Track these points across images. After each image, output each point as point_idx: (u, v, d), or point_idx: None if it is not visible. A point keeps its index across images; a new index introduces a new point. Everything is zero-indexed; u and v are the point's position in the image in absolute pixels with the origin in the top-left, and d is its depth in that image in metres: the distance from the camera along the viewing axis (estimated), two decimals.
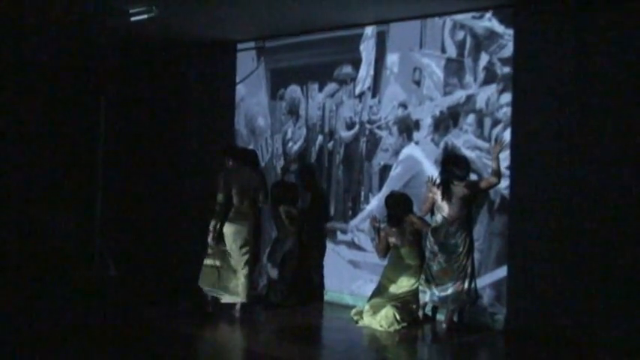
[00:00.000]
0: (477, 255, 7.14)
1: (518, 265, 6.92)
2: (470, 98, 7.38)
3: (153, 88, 10.04)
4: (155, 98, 10.06)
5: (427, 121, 7.74)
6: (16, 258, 8.90)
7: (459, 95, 7.46)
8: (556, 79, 6.75)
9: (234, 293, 7.20)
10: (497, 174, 6.65)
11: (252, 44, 9.29)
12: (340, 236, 8.46)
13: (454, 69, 7.51)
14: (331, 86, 8.60)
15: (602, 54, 6.49)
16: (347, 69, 8.44)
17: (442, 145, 7.58)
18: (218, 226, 7.07)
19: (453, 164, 6.84)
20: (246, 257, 7.18)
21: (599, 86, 6.50)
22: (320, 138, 8.74)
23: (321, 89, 8.72)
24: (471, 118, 7.37)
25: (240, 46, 9.41)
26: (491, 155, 6.84)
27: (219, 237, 7.13)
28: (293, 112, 9.02)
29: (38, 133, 9.31)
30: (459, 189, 6.77)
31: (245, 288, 7.17)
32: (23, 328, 6.41)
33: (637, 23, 6.35)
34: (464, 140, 7.44)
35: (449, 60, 7.55)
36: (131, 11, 7.38)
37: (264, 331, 7.15)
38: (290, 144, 9.04)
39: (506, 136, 7.05)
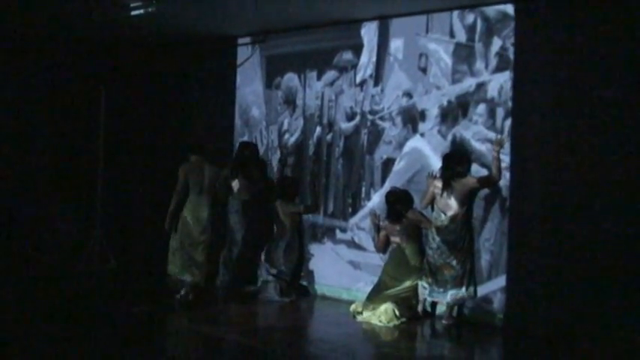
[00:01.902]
0: (487, 256, 7.09)
1: (518, 262, 6.86)
2: (480, 87, 7.17)
3: (152, 83, 10.16)
4: (155, 92, 10.17)
5: (434, 112, 7.53)
6: (16, 251, 9.08)
7: (469, 83, 7.25)
8: (558, 70, 6.65)
9: (194, 276, 7.64)
10: (498, 171, 6.71)
11: (252, 39, 9.25)
12: (339, 235, 8.32)
13: (463, 55, 7.29)
14: (330, 74, 8.44)
15: (606, 42, 6.39)
16: (347, 55, 8.27)
17: (450, 137, 7.37)
18: (173, 212, 7.62)
19: (454, 162, 6.88)
20: (203, 244, 7.63)
21: (602, 76, 6.40)
22: (318, 129, 8.58)
23: (319, 77, 8.55)
24: (482, 108, 7.16)
25: (240, 40, 9.35)
26: (500, 150, 6.79)
27: (174, 223, 7.61)
28: (290, 101, 8.88)
29: (38, 128, 9.53)
30: (459, 185, 6.83)
31: (202, 273, 7.63)
32: (22, 320, 6.62)
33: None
34: (473, 132, 7.20)
35: (458, 45, 7.34)
36: (131, 5, 7.53)
37: (263, 326, 7.24)
38: (286, 136, 8.91)
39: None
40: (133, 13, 7.64)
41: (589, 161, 6.41)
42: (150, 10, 7.54)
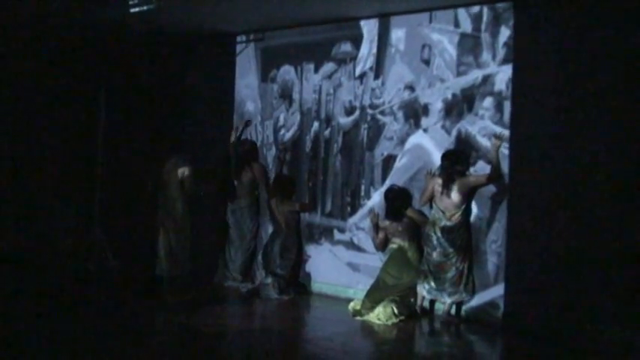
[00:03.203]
0: (494, 259, 7.01)
1: (517, 260, 6.85)
2: (487, 79, 7.07)
3: (152, 80, 10.17)
4: (155, 90, 10.18)
5: (437, 106, 7.45)
6: (16, 250, 9.11)
7: (475, 76, 7.16)
8: (558, 65, 6.60)
9: (183, 269, 7.88)
10: (497, 169, 6.79)
11: (251, 36, 9.26)
12: (338, 235, 8.26)
13: (469, 46, 7.21)
14: (328, 66, 8.37)
15: (606, 36, 6.37)
16: (346, 47, 8.21)
17: (454, 132, 7.27)
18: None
19: (454, 160, 6.95)
20: (183, 235, 7.83)
21: (602, 73, 6.36)
22: (316, 125, 8.50)
23: (317, 70, 8.49)
24: (488, 101, 7.05)
25: (239, 39, 9.36)
26: (506, 145, 6.81)
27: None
28: (286, 95, 8.82)
29: (37, 125, 9.53)
30: (459, 183, 6.94)
31: (187, 263, 7.86)
32: (22, 320, 6.70)
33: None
34: (480, 127, 7.10)
35: (463, 35, 7.26)
36: (131, 2, 7.62)
37: (261, 325, 7.34)
38: (282, 131, 8.84)
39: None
40: (133, 10, 7.70)
41: (589, 159, 6.37)
42: (146, 8, 7.57)
